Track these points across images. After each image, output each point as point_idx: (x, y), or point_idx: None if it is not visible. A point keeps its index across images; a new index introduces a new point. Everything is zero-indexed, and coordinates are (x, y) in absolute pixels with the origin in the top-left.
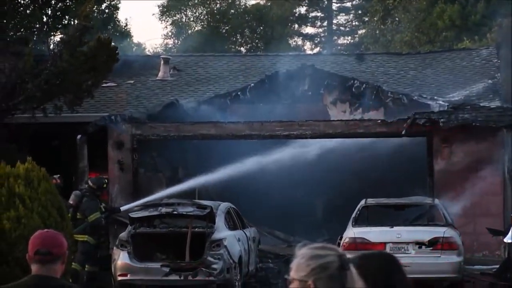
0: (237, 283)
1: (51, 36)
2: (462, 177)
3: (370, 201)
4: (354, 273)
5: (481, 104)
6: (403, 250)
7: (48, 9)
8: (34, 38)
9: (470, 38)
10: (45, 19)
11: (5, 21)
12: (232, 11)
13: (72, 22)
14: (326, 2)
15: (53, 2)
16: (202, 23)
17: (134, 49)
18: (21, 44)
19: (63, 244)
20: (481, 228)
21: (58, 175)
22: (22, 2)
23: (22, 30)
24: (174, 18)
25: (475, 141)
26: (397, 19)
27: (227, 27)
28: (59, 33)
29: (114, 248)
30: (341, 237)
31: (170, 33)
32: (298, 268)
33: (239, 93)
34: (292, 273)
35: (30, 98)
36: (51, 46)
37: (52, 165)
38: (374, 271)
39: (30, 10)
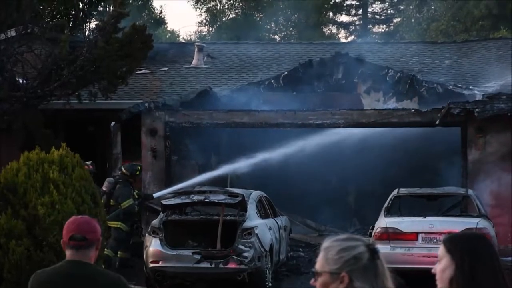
0: (267, 271)
1: (86, 23)
2: (497, 168)
3: (403, 191)
4: (384, 263)
5: None
6: (435, 240)
7: None
8: (70, 25)
9: (507, 27)
10: (81, 6)
11: (41, 7)
12: None
13: (108, 9)
14: None
15: None
16: (236, 11)
17: (168, 36)
18: (57, 30)
19: (97, 230)
20: None
21: (91, 161)
22: None
23: (58, 16)
24: (209, 5)
25: (510, 131)
26: (433, 7)
27: (261, 15)
28: (94, 20)
29: (146, 235)
30: (373, 227)
31: (204, 21)
32: (328, 261)
33: (272, 81)
34: (320, 267)
35: (65, 84)
36: (87, 33)
37: (86, 151)
38: (476, 249)
39: None
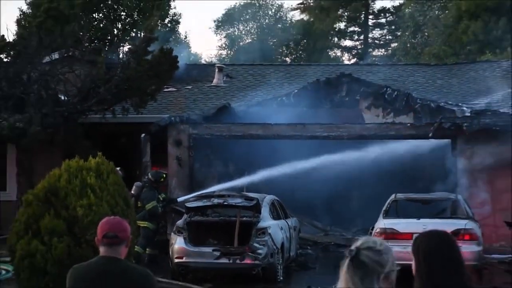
0: (279, 266)
1: (120, 47)
2: (483, 175)
3: (400, 195)
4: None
5: (501, 111)
6: None
7: (118, 24)
8: (106, 49)
9: (492, 51)
10: (115, 32)
11: (81, 33)
12: (279, 25)
13: (139, 35)
14: (363, 18)
15: (123, 17)
16: (253, 36)
17: (191, 58)
18: (95, 53)
19: (127, 229)
20: (499, 221)
21: (119, 168)
22: (97, 17)
23: (96, 41)
24: (228, 31)
25: (495, 143)
26: (426, 34)
27: (275, 40)
28: (127, 44)
29: (172, 233)
30: (373, 227)
31: (224, 45)
32: (393, 260)
33: (284, 98)
34: (390, 267)
35: (102, 101)
36: (121, 56)
37: (120, 160)
38: (431, 249)
39: (103, 24)
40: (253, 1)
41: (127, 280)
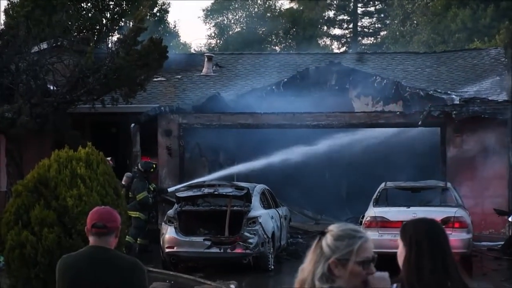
0: (270, 255)
1: (109, 37)
2: (472, 163)
3: (389, 184)
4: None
5: (490, 98)
6: None
7: (107, 13)
8: (95, 38)
9: (480, 39)
10: (104, 22)
11: (70, 23)
12: (268, 14)
13: (128, 24)
14: (352, 7)
15: (111, 6)
16: (242, 25)
17: (181, 47)
18: (84, 43)
19: (117, 219)
20: (488, 209)
21: (110, 157)
22: (85, 6)
23: (84, 31)
24: (217, 20)
25: (483, 131)
26: (415, 22)
27: (264, 29)
28: (116, 34)
29: (163, 223)
30: (363, 216)
31: (213, 34)
32: (356, 249)
33: (273, 87)
34: (344, 254)
35: (91, 91)
36: (109, 45)
37: (110, 149)
38: (419, 236)
39: (92, 13)
40: None
41: (115, 269)
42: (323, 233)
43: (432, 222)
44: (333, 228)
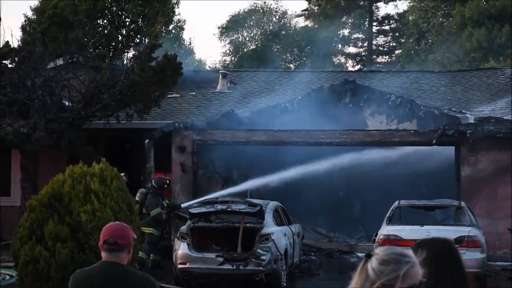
0: (283, 273)
1: (124, 53)
2: (487, 183)
3: (403, 202)
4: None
5: (505, 118)
6: None
7: (123, 30)
8: (110, 55)
9: (495, 59)
10: (120, 38)
11: (85, 40)
12: (283, 32)
13: (143, 41)
14: (367, 25)
15: (127, 23)
16: (256, 43)
17: (196, 64)
18: (99, 59)
19: (129, 236)
20: (502, 228)
21: (124, 173)
22: (101, 23)
23: (100, 47)
24: (232, 38)
25: (498, 150)
26: (430, 41)
27: (278, 46)
28: (131, 50)
29: (175, 239)
30: (376, 234)
31: (228, 51)
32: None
33: (287, 104)
34: (389, 280)
35: (106, 107)
36: (125, 62)
37: (124, 165)
38: (441, 255)
39: (108, 30)
40: (257, 8)
41: (127, 285)
42: (369, 256)
43: (447, 241)
44: (379, 252)
